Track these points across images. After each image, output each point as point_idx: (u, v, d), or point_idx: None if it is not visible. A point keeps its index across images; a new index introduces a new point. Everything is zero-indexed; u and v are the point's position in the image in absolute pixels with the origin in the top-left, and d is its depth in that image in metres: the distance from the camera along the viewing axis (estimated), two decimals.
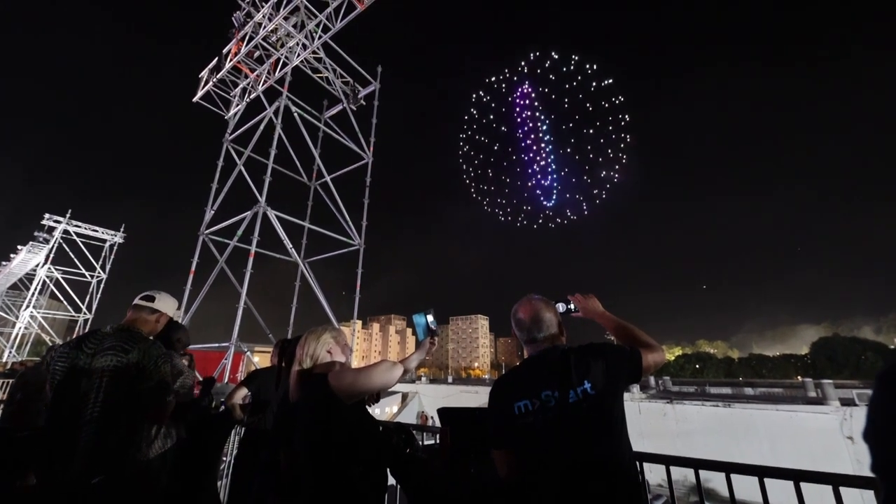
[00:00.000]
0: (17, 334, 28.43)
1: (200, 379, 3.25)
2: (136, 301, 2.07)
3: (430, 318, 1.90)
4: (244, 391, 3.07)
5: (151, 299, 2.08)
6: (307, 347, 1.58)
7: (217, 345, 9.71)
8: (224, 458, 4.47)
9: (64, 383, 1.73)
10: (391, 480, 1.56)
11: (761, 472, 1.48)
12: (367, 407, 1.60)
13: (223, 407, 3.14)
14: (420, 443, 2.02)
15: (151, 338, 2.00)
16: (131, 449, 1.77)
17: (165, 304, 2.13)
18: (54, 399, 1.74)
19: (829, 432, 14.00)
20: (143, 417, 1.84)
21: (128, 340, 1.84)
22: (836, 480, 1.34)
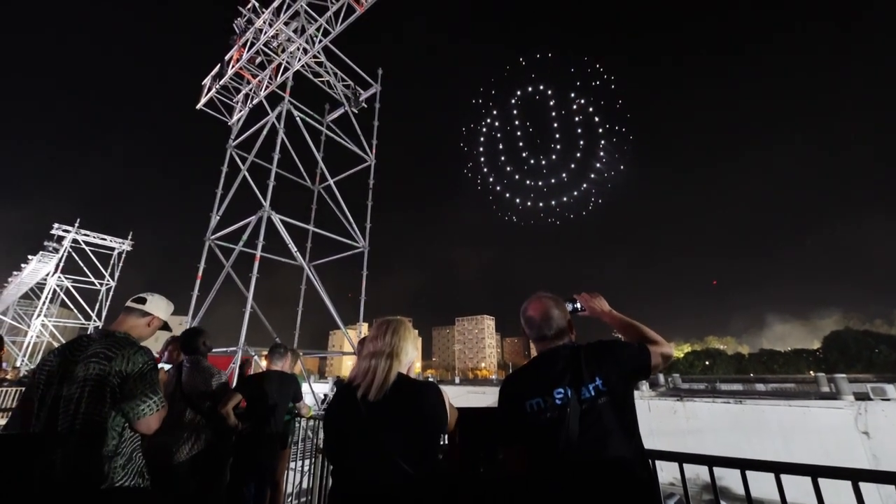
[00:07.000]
0: (30, 343, 28.83)
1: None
2: (128, 303, 1.95)
3: None
4: (238, 397, 3.00)
5: (143, 301, 1.95)
6: (396, 337, 1.36)
7: (225, 349, 9.77)
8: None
9: (46, 393, 1.62)
10: None
11: (777, 469, 1.45)
12: None
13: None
14: None
15: (140, 343, 1.85)
16: (118, 461, 1.62)
17: (157, 307, 1.99)
18: (36, 410, 1.61)
19: (844, 427, 13.76)
20: (130, 429, 1.69)
21: (112, 346, 1.71)
22: (855, 475, 1.31)
